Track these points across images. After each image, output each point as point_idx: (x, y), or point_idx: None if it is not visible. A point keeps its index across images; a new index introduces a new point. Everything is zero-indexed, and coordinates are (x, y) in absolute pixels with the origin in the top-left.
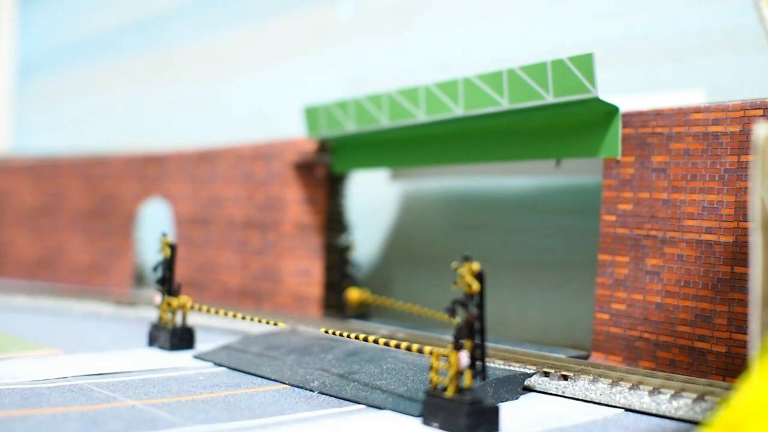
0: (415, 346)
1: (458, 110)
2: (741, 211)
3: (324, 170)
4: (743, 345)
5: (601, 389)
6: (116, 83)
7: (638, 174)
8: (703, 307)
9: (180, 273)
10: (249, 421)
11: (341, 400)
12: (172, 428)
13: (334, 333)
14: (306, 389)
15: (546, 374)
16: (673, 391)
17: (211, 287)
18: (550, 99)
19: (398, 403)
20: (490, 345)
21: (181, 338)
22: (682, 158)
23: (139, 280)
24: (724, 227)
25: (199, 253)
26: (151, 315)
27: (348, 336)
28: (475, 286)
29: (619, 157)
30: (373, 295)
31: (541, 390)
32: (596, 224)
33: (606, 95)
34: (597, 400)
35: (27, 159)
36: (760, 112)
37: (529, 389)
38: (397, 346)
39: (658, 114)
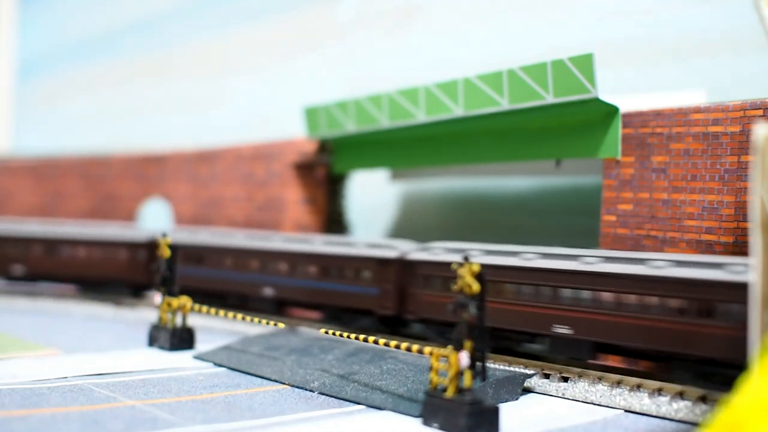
0: (415, 347)
1: (458, 110)
2: (741, 211)
3: (324, 170)
4: None
5: (601, 391)
6: (116, 83)
7: (638, 174)
8: None
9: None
10: (249, 421)
11: (341, 401)
12: (172, 428)
13: (334, 333)
14: (306, 390)
15: (546, 376)
16: (673, 393)
17: None
18: (550, 99)
19: (398, 403)
20: None
21: (181, 338)
22: (682, 158)
23: None
24: (724, 227)
25: None
26: (151, 316)
27: (348, 336)
28: (476, 286)
29: (619, 158)
30: None
31: (542, 391)
32: (596, 224)
33: (606, 95)
34: (597, 402)
35: (27, 159)
36: (760, 112)
37: (529, 390)
38: (397, 347)
39: (658, 114)
